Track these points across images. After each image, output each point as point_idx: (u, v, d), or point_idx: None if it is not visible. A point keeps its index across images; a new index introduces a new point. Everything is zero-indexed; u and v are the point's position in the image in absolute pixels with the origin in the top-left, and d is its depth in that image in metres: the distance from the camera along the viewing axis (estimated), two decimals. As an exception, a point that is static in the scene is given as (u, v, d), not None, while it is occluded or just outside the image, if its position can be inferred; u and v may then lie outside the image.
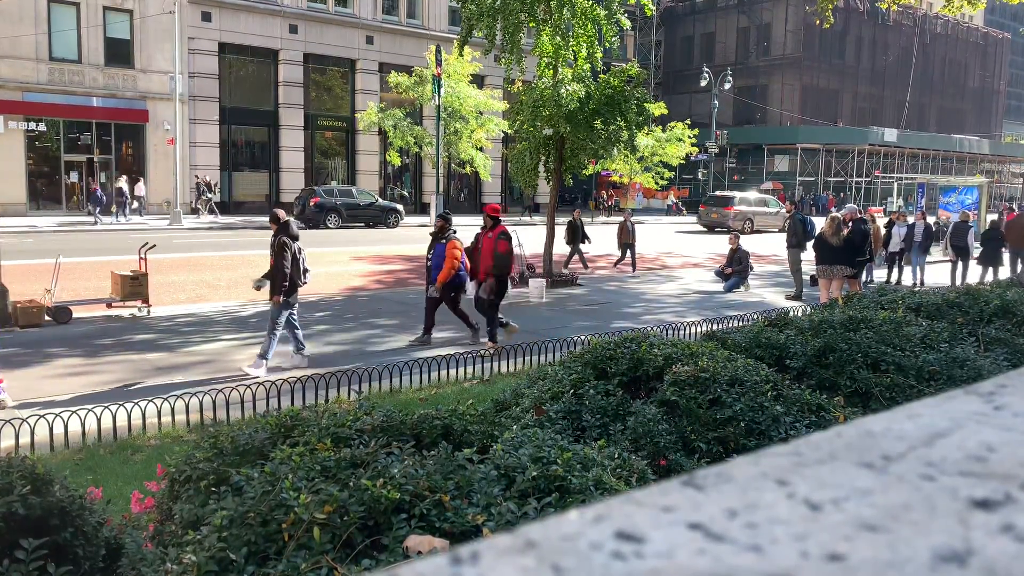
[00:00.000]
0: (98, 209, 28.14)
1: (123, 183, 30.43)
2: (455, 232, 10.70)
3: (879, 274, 18.43)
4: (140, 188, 32.11)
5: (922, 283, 17.06)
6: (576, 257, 19.60)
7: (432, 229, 11.07)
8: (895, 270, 18.33)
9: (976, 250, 17.94)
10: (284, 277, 8.96)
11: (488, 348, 9.98)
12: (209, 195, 32.15)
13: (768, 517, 0.52)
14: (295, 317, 9.33)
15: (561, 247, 18.59)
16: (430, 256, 10.66)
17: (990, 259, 17.09)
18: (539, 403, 4.30)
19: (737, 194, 36.03)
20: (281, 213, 9.42)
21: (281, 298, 8.95)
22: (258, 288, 9.56)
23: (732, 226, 29.98)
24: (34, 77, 30.33)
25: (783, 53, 54.52)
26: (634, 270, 19.53)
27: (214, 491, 3.00)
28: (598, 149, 16.42)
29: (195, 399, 7.13)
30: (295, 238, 9.20)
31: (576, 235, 19.29)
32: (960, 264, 17.81)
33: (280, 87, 36.33)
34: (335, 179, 37.50)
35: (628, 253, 19.76)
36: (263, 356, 8.99)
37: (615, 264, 20.29)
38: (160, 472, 3.51)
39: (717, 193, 38.34)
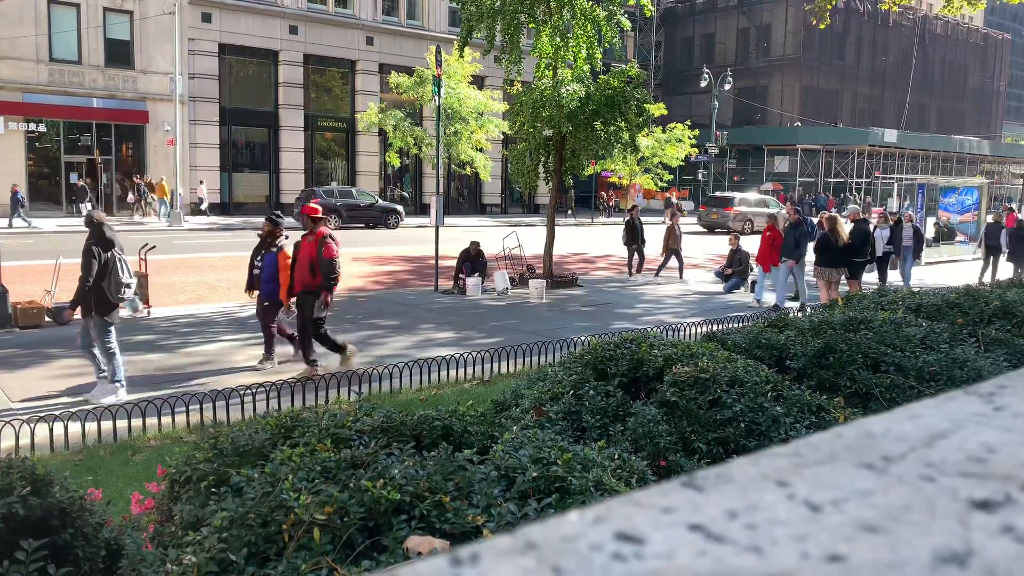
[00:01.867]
0: (20, 212, 26.79)
1: (177, 186, 30.97)
2: (287, 238, 9.45)
3: (868, 278, 18.22)
4: (202, 190, 33.02)
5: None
6: (635, 258, 18.69)
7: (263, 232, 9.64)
8: (885, 274, 18.04)
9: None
10: (83, 291, 7.69)
11: (305, 372, 8.72)
12: (154, 195, 31.85)
13: (768, 518, 0.52)
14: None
15: (562, 248, 18.51)
16: (259, 264, 9.37)
17: (1020, 257, 17.84)
18: (539, 404, 4.30)
19: (737, 195, 36.03)
20: (97, 215, 8.03)
21: (77, 313, 7.80)
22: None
23: (732, 227, 29.97)
24: (34, 78, 30.34)
25: (783, 54, 54.54)
26: (657, 274, 18.43)
27: (214, 492, 3.00)
28: (599, 150, 16.43)
29: (195, 400, 7.13)
30: (110, 244, 7.82)
31: (636, 236, 18.46)
32: (992, 262, 18.34)
33: (280, 88, 36.34)
34: (335, 180, 37.51)
35: (676, 259, 18.40)
36: (114, 380, 7.99)
37: (669, 269, 18.55)
38: (160, 473, 3.51)
39: (717, 194, 38.37)
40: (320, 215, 9.21)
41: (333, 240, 8.94)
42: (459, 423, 3.51)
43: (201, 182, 33.55)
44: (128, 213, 31.37)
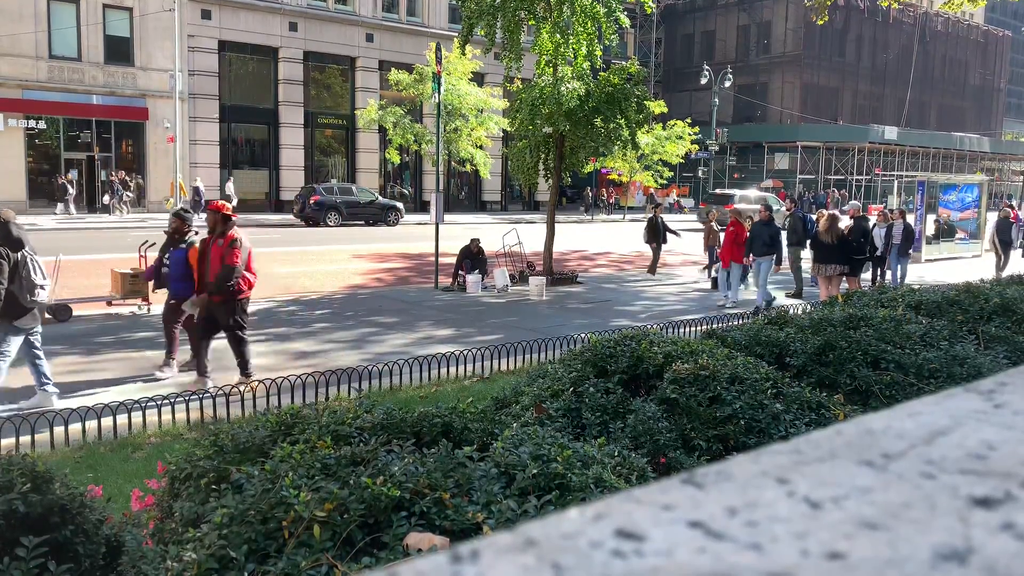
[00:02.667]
0: None
1: (199, 183, 31.45)
2: (197, 234, 8.90)
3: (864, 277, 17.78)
4: (229, 187, 33.46)
5: None
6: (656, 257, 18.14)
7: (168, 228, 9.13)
8: (879, 273, 17.51)
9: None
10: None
11: (240, 382, 7.89)
12: (129, 194, 31.40)
13: (768, 515, 0.52)
14: (37, 345, 7.48)
15: (561, 245, 18.44)
16: (166, 262, 8.88)
17: None
18: (539, 401, 4.30)
19: (737, 192, 36.00)
20: (4, 213, 7.36)
21: None
22: None
23: None
24: (34, 75, 30.32)
25: (783, 51, 54.49)
26: (708, 275, 17.73)
27: (214, 489, 3.00)
28: (598, 147, 16.42)
29: (195, 397, 7.14)
30: (18, 244, 7.15)
31: (657, 234, 18.06)
32: (1003, 257, 18.89)
33: (280, 85, 36.31)
34: (335, 177, 37.50)
35: (709, 256, 17.71)
36: None
37: (705, 269, 18.06)
38: (160, 470, 3.51)
39: (717, 191, 38.36)
40: (230, 213, 8.42)
41: (241, 245, 8.23)
42: (459, 420, 3.51)
43: (229, 179, 34.25)
44: (118, 210, 30.88)
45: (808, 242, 14.69)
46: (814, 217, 16.81)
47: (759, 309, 12.45)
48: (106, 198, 31.31)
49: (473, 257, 15.82)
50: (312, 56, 36.98)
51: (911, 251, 17.14)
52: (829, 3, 19.75)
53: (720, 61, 51.35)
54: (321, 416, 3.43)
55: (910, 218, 18.70)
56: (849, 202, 17.42)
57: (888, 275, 16.47)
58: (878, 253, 15.64)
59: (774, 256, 14.05)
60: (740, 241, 14.29)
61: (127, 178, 31.98)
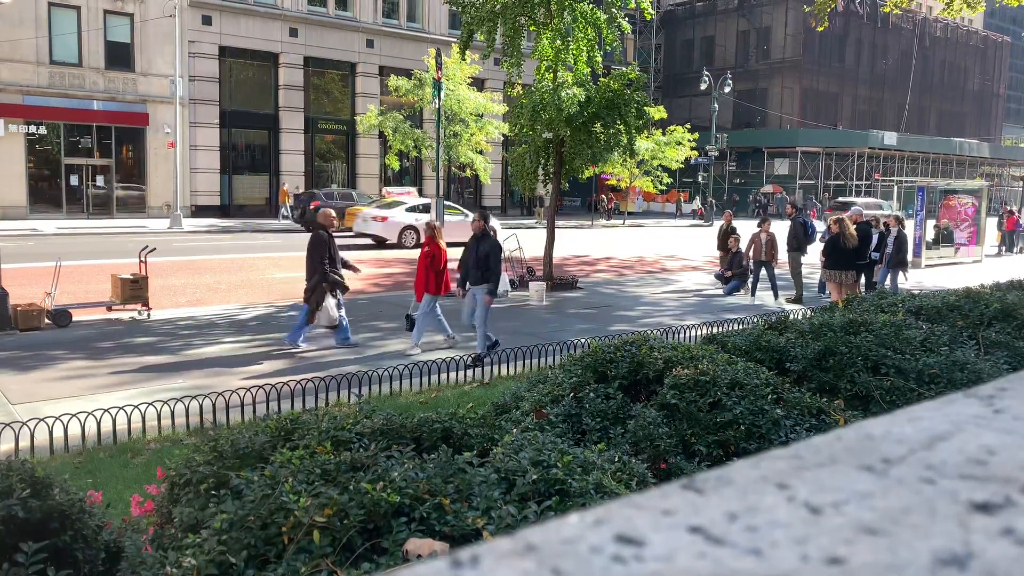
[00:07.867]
0: None
1: (299, 189, 32.25)
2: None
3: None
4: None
5: None
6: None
7: None
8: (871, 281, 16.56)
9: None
10: None
11: None
12: None
13: (768, 520, 0.52)
14: None
15: (561, 250, 18.41)
16: None
17: None
18: (539, 406, 4.29)
19: (858, 199, 34.69)
20: None
21: None
22: None
23: None
24: (34, 80, 30.36)
25: (783, 56, 54.60)
26: (776, 297, 15.83)
27: (214, 494, 3.00)
28: (597, 153, 16.43)
29: (195, 402, 7.13)
30: None
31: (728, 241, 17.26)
32: None
33: (280, 90, 36.36)
34: (335, 182, 37.53)
35: (765, 271, 16.09)
36: None
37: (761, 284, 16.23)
38: (160, 475, 3.51)
39: (840, 199, 37.29)
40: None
41: None
42: (459, 426, 3.51)
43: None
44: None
45: (823, 248, 14.11)
46: (815, 223, 16.82)
47: (479, 358, 9.42)
48: None
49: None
50: (312, 61, 37.04)
51: (909, 257, 16.48)
52: (829, 8, 19.80)
53: (720, 66, 51.43)
54: (321, 422, 3.43)
55: (909, 224, 18.39)
56: (852, 207, 17.25)
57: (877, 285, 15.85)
58: (869, 260, 14.96)
59: (487, 285, 10.12)
60: (436, 266, 10.47)
61: None
